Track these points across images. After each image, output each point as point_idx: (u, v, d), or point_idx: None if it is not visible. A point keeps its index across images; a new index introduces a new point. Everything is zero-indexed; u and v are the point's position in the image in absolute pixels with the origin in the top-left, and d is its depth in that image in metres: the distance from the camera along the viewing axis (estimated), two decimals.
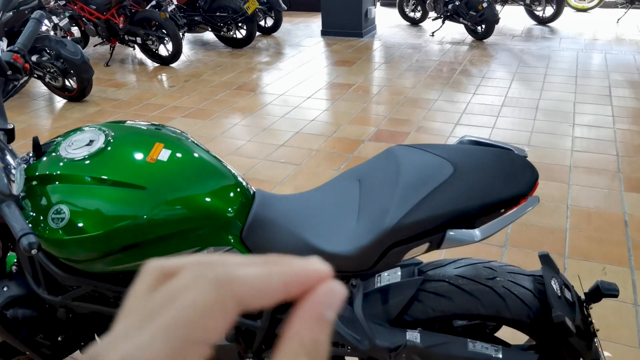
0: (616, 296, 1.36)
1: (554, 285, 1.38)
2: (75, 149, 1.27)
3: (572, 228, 2.77)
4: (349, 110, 4.58)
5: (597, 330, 1.43)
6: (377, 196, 1.25)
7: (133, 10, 6.01)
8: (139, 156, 1.27)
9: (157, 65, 6.21)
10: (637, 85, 4.98)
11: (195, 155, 1.34)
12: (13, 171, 1.13)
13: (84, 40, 6.67)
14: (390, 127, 4.19)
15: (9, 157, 1.17)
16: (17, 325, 1.42)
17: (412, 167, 1.25)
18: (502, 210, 1.19)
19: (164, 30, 5.89)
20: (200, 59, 6.45)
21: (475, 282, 1.38)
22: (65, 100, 5.04)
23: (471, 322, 1.59)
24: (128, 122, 1.42)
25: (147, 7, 6.03)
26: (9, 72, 1.39)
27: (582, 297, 1.46)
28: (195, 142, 1.42)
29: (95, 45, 6.63)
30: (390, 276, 1.44)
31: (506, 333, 1.62)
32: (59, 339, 1.54)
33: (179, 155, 1.31)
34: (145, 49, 6.13)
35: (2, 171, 1.07)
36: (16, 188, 1.08)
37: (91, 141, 1.29)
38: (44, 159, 1.28)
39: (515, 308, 1.35)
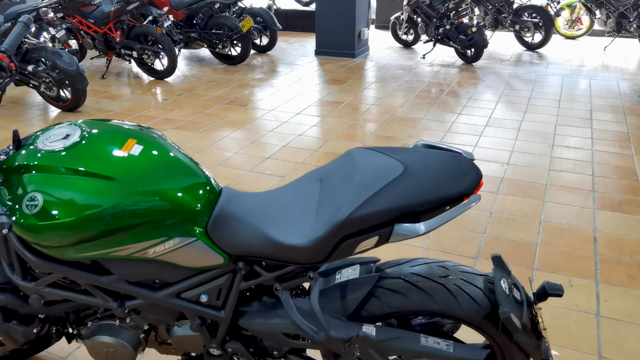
0: (560, 296, 1.44)
1: (503, 284, 1.45)
2: (52, 141, 1.36)
3: (542, 243, 2.85)
4: (336, 127, 4.68)
5: (545, 330, 1.50)
6: (334, 193, 1.33)
7: (130, 25, 6.16)
8: (111, 149, 1.36)
9: (152, 79, 6.33)
10: (618, 110, 5.11)
11: (167, 152, 1.42)
12: None
13: (80, 53, 6.80)
14: (375, 143, 4.29)
15: None
16: None
17: (366, 167, 1.34)
18: (447, 208, 1.27)
19: (159, 45, 6.03)
20: (195, 74, 6.59)
21: (428, 279, 1.45)
22: (59, 110, 5.14)
23: (429, 322, 1.66)
24: (105, 120, 1.51)
25: (144, 23, 6.18)
26: None
27: (532, 298, 1.53)
28: (170, 142, 1.50)
29: (92, 58, 6.76)
30: (349, 273, 1.51)
31: (464, 335, 1.69)
32: (33, 327, 1.60)
33: (150, 151, 1.39)
34: (141, 63, 6.26)
35: None
36: None
37: (67, 135, 1.37)
38: (23, 150, 1.36)
39: (466, 305, 1.42)
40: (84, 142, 1.36)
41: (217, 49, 6.87)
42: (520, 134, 4.48)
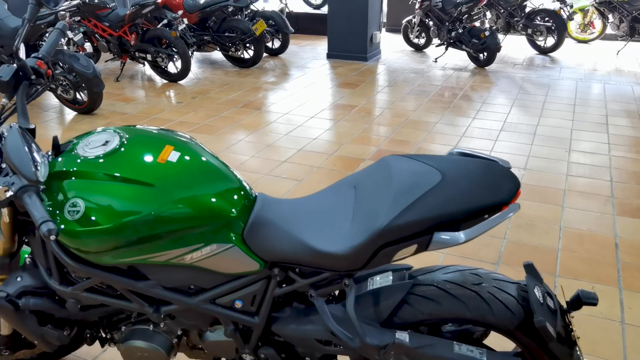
0: (595, 304, 1.43)
1: (537, 292, 1.45)
2: (92, 148, 1.37)
3: (563, 249, 2.85)
4: (350, 130, 4.69)
5: (578, 338, 1.50)
6: (370, 200, 1.34)
7: (144, 28, 6.19)
8: (149, 156, 1.37)
9: (165, 82, 6.37)
10: (634, 115, 5.09)
11: (203, 158, 1.43)
12: (38, 161, 1.22)
13: (95, 56, 6.85)
14: (390, 147, 4.30)
15: (34, 150, 1.27)
16: (28, 314, 1.50)
17: (403, 174, 1.34)
18: (486, 216, 1.28)
19: (174, 49, 6.06)
20: (208, 77, 6.61)
21: (462, 287, 1.45)
22: (75, 113, 5.18)
23: (459, 329, 1.66)
24: (140, 126, 1.52)
25: (159, 26, 6.22)
26: (33, 77, 1.49)
27: (564, 306, 1.52)
28: (203, 147, 1.51)
29: (106, 61, 6.80)
30: (382, 280, 1.52)
31: (494, 342, 1.69)
32: (67, 331, 1.62)
33: (187, 157, 1.40)
34: (155, 66, 6.29)
35: (30, 159, 1.17)
36: (41, 175, 1.17)
37: (106, 142, 1.39)
38: (62, 157, 1.38)
39: (500, 313, 1.42)
40: (123, 148, 1.37)
41: (230, 52, 6.90)
42: (536, 138, 4.47)
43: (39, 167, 1.16)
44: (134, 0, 5.95)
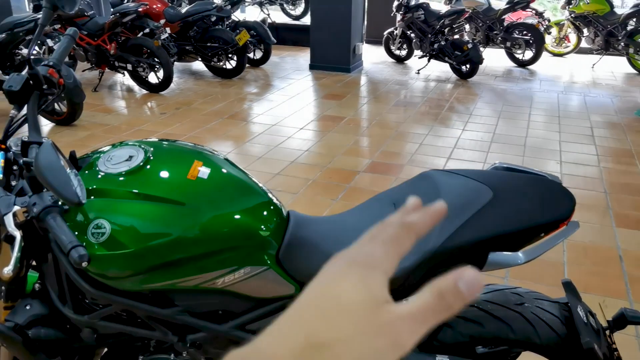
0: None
1: (580, 312, 1.40)
2: (115, 163, 1.26)
3: (569, 262, 2.83)
4: (341, 142, 4.63)
5: (620, 359, 1.45)
6: None
7: (124, 37, 6.03)
8: (178, 172, 1.27)
9: (145, 92, 6.21)
10: (617, 127, 5.17)
11: (234, 174, 1.34)
12: (74, 180, 1.11)
13: (72, 65, 6.63)
14: (384, 159, 4.25)
15: (68, 168, 1.15)
16: (38, 345, 1.37)
17: (452, 191, 1.27)
18: (542, 235, 1.22)
19: (155, 58, 5.91)
20: (190, 87, 6.48)
21: (504, 307, 1.39)
22: (53, 124, 4.98)
23: (493, 350, 1.60)
24: (162, 140, 1.42)
25: (140, 35, 6.06)
26: (45, 87, 1.38)
27: (604, 324, 1.48)
28: (231, 162, 1.42)
29: (83, 71, 6.59)
30: None
31: None
32: None
33: (218, 174, 1.30)
34: (136, 76, 6.12)
35: (70, 178, 1.05)
36: (83, 196, 1.06)
37: (130, 157, 1.28)
38: (82, 173, 1.26)
39: (544, 334, 1.36)
40: (149, 164, 1.26)
41: (212, 62, 6.78)
42: (526, 150, 4.49)
43: (76, 187, 1.05)
44: (114, 9, 5.79)
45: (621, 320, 1.43)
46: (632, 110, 5.75)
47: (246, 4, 10.43)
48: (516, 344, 1.39)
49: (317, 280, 0.37)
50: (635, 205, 3.49)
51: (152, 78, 6.20)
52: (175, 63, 7.33)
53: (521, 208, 1.22)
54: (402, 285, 1.24)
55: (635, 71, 7.77)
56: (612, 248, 2.97)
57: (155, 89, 6.15)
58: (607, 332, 1.46)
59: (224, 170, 1.33)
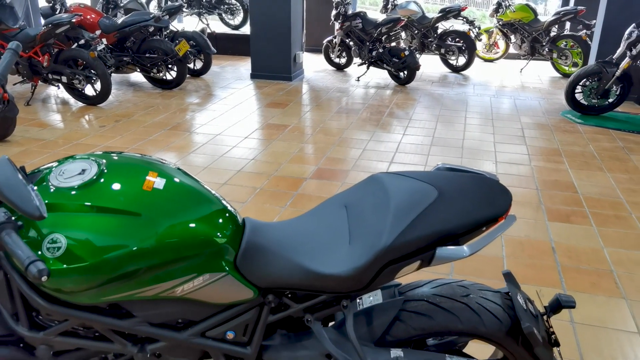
0: (574, 307, 1.51)
1: (520, 300, 1.50)
2: (67, 177, 1.26)
3: (508, 256, 2.99)
4: (287, 150, 4.68)
5: (558, 343, 1.57)
6: (370, 219, 1.33)
7: (58, 49, 5.84)
8: (133, 183, 1.28)
9: (82, 105, 6.03)
10: (545, 127, 5.50)
11: (189, 184, 1.36)
12: (32, 194, 1.09)
13: None
14: (329, 165, 4.33)
15: (26, 183, 1.14)
16: None
17: (400, 192, 1.35)
18: (484, 229, 1.31)
19: (92, 70, 5.76)
20: (130, 99, 6.34)
21: (452, 299, 1.48)
22: None
23: (442, 341, 1.69)
24: (111, 152, 1.42)
25: (74, 46, 5.89)
26: None
27: (542, 310, 1.59)
28: (185, 172, 1.44)
29: (14, 84, 6.33)
30: (372, 298, 1.51)
31: (472, 350, 1.73)
32: None
33: (174, 184, 1.32)
34: (71, 89, 5.94)
35: (30, 193, 1.04)
36: (43, 209, 1.05)
37: (83, 170, 1.28)
38: (35, 188, 1.25)
39: (489, 323, 1.46)
40: (103, 177, 1.27)
41: (152, 73, 6.67)
42: (464, 151, 4.69)
43: (36, 201, 1.04)
44: (46, 20, 5.60)
45: (557, 305, 1.54)
46: (558, 112, 6.12)
47: (184, 14, 10.33)
48: (464, 333, 1.48)
49: None
50: (565, 201, 3.73)
51: (89, 90, 6.03)
52: (113, 74, 7.17)
53: (464, 205, 1.31)
54: (357, 284, 1.30)
55: (559, 75, 8.28)
56: (546, 241, 3.16)
57: (92, 102, 5.99)
58: (545, 317, 1.57)
59: (178, 180, 1.35)
